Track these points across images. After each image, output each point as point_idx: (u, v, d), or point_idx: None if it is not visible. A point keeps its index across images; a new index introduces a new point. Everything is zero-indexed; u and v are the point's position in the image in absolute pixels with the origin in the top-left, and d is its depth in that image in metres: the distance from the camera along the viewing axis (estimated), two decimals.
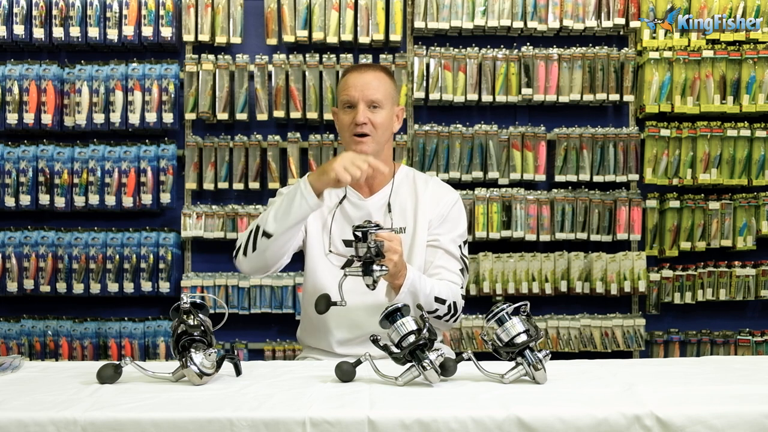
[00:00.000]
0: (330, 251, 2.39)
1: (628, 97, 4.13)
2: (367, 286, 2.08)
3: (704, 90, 4.10)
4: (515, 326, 1.80)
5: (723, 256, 4.20)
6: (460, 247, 2.42)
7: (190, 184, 4.09)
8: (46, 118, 4.03)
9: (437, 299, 2.28)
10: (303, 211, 2.20)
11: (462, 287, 2.39)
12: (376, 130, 2.35)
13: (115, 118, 4.04)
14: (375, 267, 2.05)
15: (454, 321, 2.37)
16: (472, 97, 4.09)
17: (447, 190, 2.50)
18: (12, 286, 4.03)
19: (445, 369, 1.78)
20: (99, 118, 4.05)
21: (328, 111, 4.05)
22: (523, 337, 1.79)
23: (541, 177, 4.12)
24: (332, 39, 4.06)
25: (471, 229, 4.03)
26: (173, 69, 4.06)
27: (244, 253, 2.27)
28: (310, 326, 2.46)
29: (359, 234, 2.03)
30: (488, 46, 4.13)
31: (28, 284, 4.03)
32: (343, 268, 2.10)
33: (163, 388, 1.74)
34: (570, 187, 4.16)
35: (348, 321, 2.36)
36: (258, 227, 2.24)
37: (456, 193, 2.50)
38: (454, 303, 2.32)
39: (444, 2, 4.06)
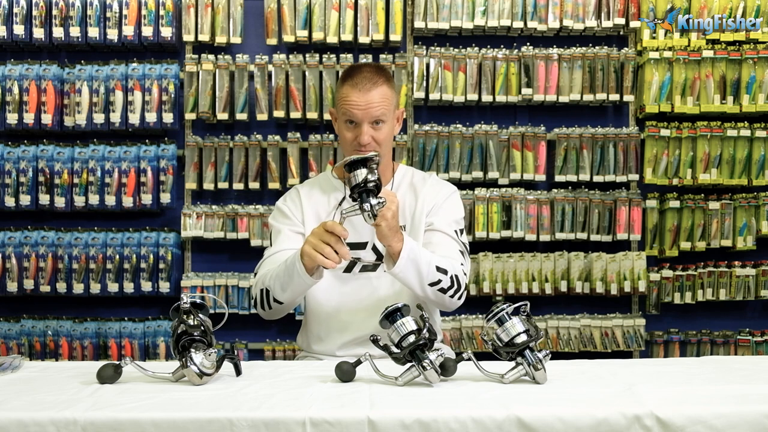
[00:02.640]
0: None
1: (628, 97, 4.14)
2: (367, 215, 2.01)
3: (704, 90, 4.10)
4: (515, 326, 1.80)
5: (723, 256, 4.20)
6: (456, 232, 2.39)
7: (190, 184, 4.10)
8: (46, 118, 4.03)
9: (438, 269, 2.22)
10: (305, 287, 2.22)
11: (463, 265, 2.33)
12: (379, 146, 2.35)
13: (115, 118, 4.04)
14: (372, 199, 2.00)
15: (459, 298, 2.30)
16: (472, 97, 4.09)
17: (444, 184, 2.50)
18: (12, 286, 4.03)
19: (445, 369, 1.78)
20: (99, 118, 4.05)
21: (327, 111, 4.05)
22: (523, 337, 1.79)
23: (541, 177, 4.12)
24: (332, 39, 4.06)
25: (471, 229, 4.03)
26: (173, 69, 4.06)
27: (262, 308, 2.33)
28: (310, 332, 2.46)
29: (357, 162, 1.99)
30: (488, 46, 4.13)
31: (28, 284, 4.03)
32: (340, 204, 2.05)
33: (163, 388, 1.74)
34: (570, 187, 4.16)
35: (349, 326, 2.36)
36: (268, 292, 2.26)
37: (453, 187, 2.50)
38: (456, 276, 2.26)
39: (444, 2, 4.06)
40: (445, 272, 2.23)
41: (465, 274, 2.32)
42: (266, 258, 2.39)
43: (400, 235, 2.16)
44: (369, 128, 2.33)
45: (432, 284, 2.22)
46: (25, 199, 4.04)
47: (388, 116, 2.36)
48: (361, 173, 2.00)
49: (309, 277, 2.16)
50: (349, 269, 2.37)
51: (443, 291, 2.25)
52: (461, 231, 2.42)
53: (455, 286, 2.26)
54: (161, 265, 4.04)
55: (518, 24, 4.09)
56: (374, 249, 2.37)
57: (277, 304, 2.27)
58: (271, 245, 2.42)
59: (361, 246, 2.37)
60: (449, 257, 2.30)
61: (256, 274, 2.39)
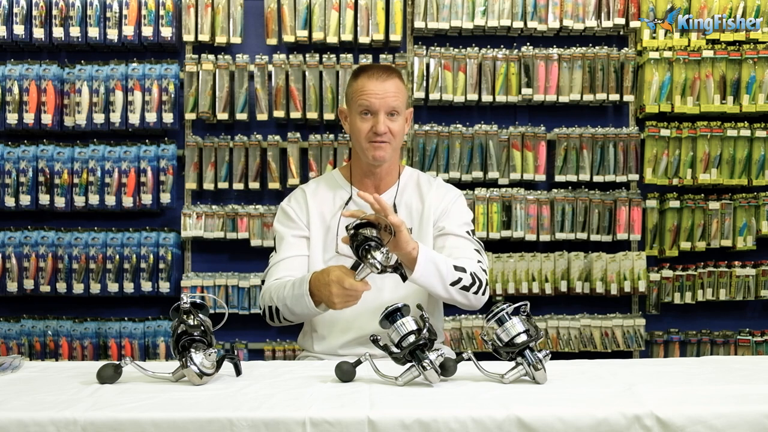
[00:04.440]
0: (337, 252, 2.39)
1: (628, 97, 4.13)
2: (377, 267, 2.03)
3: (704, 90, 4.10)
4: (515, 326, 1.81)
5: (723, 256, 4.19)
6: (468, 233, 2.41)
7: (190, 184, 4.09)
8: (46, 118, 4.03)
9: (457, 268, 2.24)
10: (312, 314, 2.28)
11: (481, 262, 2.34)
12: (394, 138, 2.38)
13: (115, 118, 4.04)
14: (377, 254, 2.01)
15: (483, 293, 2.31)
16: (472, 97, 4.09)
17: (449, 188, 2.52)
18: (12, 286, 4.03)
19: (445, 369, 1.78)
20: (99, 118, 4.05)
21: (328, 111, 4.05)
22: (523, 337, 1.79)
23: (541, 177, 4.12)
24: (332, 39, 4.06)
25: None
26: (173, 69, 4.05)
27: (272, 321, 2.38)
28: (312, 331, 2.46)
29: (350, 237, 2.03)
30: (488, 46, 4.13)
31: (28, 284, 4.02)
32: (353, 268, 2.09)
33: (163, 388, 1.74)
34: (570, 187, 4.16)
35: (350, 325, 2.36)
36: (278, 311, 2.32)
37: (458, 191, 2.52)
38: (474, 273, 2.28)
39: (444, 2, 4.06)
40: (463, 270, 2.25)
41: (484, 270, 2.33)
42: (272, 266, 2.43)
43: (414, 243, 2.17)
44: (385, 118, 2.35)
45: (453, 283, 2.23)
46: (25, 199, 4.04)
47: (402, 110, 2.39)
48: (364, 233, 2.02)
49: (316, 309, 2.24)
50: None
51: (466, 289, 2.26)
52: (472, 231, 2.44)
53: (477, 283, 2.27)
54: (161, 265, 4.04)
55: (518, 24, 4.09)
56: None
57: (288, 322, 2.35)
58: (275, 251, 2.44)
59: None
60: (466, 257, 2.32)
61: (263, 281, 2.44)
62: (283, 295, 2.27)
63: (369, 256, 2.01)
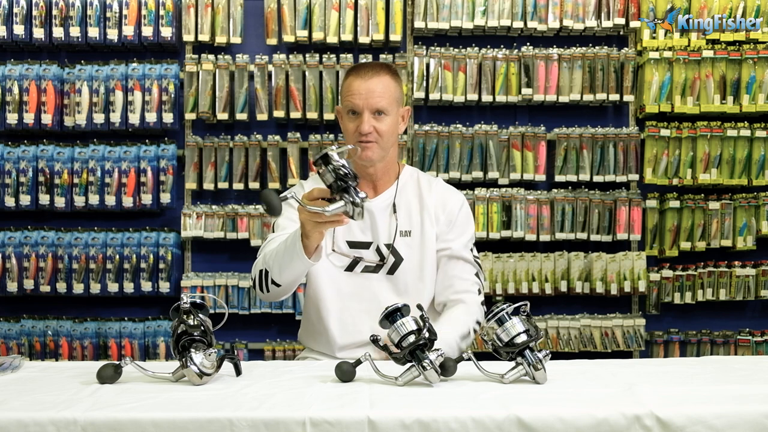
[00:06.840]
0: (333, 250, 2.38)
1: (628, 97, 4.14)
2: (354, 216, 1.94)
3: (704, 90, 4.10)
4: (515, 326, 1.80)
5: (723, 256, 4.20)
6: (471, 250, 2.43)
7: (190, 184, 4.10)
8: (46, 118, 4.03)
9: (463, 337, 2.30)
10: (303, 268, 2.19)
11: (480, 292, 2.41)
12: (381, 137, 2.33)
13: (115, 118, 4.04)
14: (354, 194, 1.92)
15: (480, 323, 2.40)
16: (472, 97, 4.09)
17: (452, 192, 2.49)
18: (12, 286, 4.03)
19: (445, 369, 1.78)
20: (99, 118, 4.05)
21: (328, 111, 4.05)
22: (523, 337, 1.79)
23: (541, 177, 4.12)
24: (332, 39, 4.06)
25: None
26: (173, 69, 4.06)
27: (260, 290, 2.31)
28: (311, 329, 2.46)
29: (321, 162, 1.91)
30: (488, 46, 4.13)
31: (28, 284, 4.03)
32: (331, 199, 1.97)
33: (163, 388, 1.73)
34: (570, 187, 4.16)
35: (350, 325, 2.36)
36: (267, 273, 2.24)
37: (461, 195, 2.49)
38: (477, 322, 2.36)
39: (444, 2, 4.06)
40: (467, 335, 2.33)
41: (480, 292, 2.41)
42: (269, 240, 2.37)
43: None
44: (370, 117, 2.31)
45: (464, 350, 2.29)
46: (25, 199, 4.04)
47: (390, 109, 2.34)
48: (328, 173, 1.91)
49: (307, 260, 2.13)
50: (350, 268, 2.37)
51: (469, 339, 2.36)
52: (474, 246, 2.47)
53: (477, 330, 2.37)
54: (161, 265, 4.04)
55: (518, 24, 4.09)
56: (377, 250, 2.37)
57: (275, 287, 2.25)
58: (273, 230, 2.41)
59: (365, 246, 2.37)
60: (467, 296, 2.37)
61: (257, 256, 2.38)
62: (276, 252, 2.21)
63: (350, 192, 1.92)
